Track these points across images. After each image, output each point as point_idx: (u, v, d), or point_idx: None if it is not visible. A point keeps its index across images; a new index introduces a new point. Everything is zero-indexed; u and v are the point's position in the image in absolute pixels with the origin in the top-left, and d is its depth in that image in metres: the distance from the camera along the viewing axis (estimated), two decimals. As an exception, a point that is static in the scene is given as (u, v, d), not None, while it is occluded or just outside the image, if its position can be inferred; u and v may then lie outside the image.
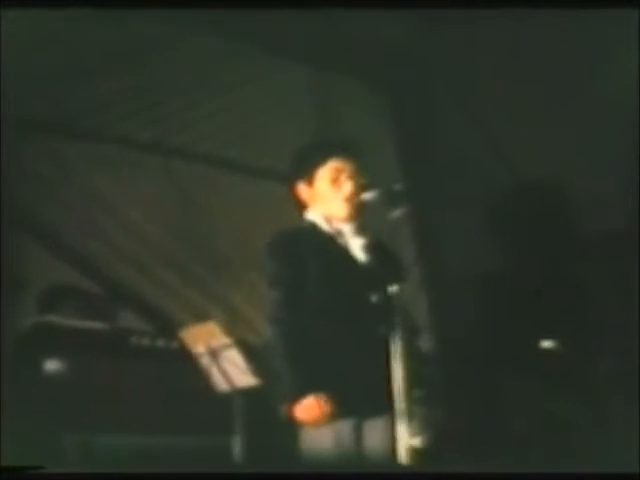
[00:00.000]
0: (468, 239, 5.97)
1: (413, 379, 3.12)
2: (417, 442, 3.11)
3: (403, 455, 3.09)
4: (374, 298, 3.30)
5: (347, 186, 3.46)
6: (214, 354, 4.65)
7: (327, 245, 3.44)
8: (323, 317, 3.30)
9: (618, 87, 5.49)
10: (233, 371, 4.62)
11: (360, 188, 3.42)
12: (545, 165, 6.27)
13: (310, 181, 3.53)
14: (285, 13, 4.75)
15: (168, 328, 5.58)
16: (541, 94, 5.98)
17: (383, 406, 3.14)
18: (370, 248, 3.45)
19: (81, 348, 4.97)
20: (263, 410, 5.11)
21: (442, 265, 6.50)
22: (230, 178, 6.26)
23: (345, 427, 3.25)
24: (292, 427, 4.89)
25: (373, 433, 3.29)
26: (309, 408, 3.20)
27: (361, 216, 3.46)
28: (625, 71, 5.40)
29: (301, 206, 3.57)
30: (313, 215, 3.53)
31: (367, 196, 3.35)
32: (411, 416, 3.10)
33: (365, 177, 3.48)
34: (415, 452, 3.10)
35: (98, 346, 5.07)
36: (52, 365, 4.88)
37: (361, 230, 3.49)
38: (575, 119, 6.04)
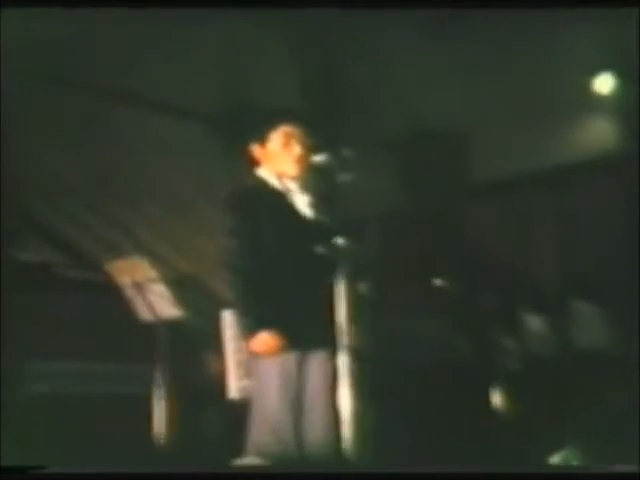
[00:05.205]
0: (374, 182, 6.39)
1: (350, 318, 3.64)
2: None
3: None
4: (318, 248, 3.79)
5: (296, 149, 3.92)
6: (139, 286, 4.99)
7: (278, 200, 3.91)
8: (275, 265, 3.79)
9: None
10: (158, 302, 4.98)
11: (308, 151, 3.88)
12: (448, 116, 6.84)
13: (263, 143, 3.96)
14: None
15: (91, 262, 5.87)
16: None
17: (325, 341, 3.67)
18: (315, 204, 3.94)
19: (9, 279, 5.22)
20: (185, 340, 5.58)
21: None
22: (147, 117, 6.48)
23: (291, 358, 3.77)
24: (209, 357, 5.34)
25: (315, 363, 3.82)
26: (263, 342, 3.72)
27: (308, 176, 3.93)
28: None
29: (254, 164, 4.01)
30: (265, 173, 3.98)
31: (316, 158, 3.79)
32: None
33: (312, 141, 3.94)
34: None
35: (25, 277, 5.34)
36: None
37: (307, 188, 3.96)
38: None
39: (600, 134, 7.19)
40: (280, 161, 3.94)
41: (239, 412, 4.10)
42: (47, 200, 6.18)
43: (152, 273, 4.92)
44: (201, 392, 5.61)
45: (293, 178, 3.94)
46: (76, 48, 5.57)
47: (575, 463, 4.81)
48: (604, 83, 7.03)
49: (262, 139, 3.96)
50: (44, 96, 5.89)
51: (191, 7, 4.23)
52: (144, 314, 5.03)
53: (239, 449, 3.83)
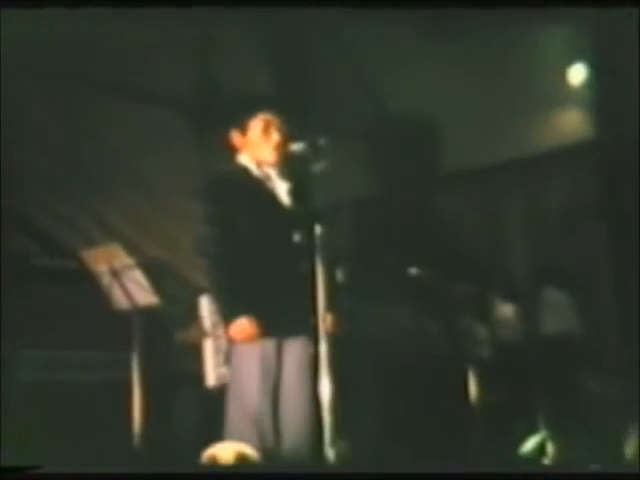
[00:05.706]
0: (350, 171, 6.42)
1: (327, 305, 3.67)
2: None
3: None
4: (296, 235, 3.82)
5: (275, 136, 3.94)
6: (116, 274, 4.97)
7: (256, 187, 3.93)
8: (252, 251, 3.81)
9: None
10: (135, 289, 4.97)
11: (286, 138, 3.90)
12: (423, 106, 6.91)
13: (243, 130, 3.98)
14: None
15: (66, 250, 5.84)
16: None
17: (302, 327, 3.70)
18: (293, 192, 3.96)
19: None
20: (162, 327, 5.59)
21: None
22: (124, 106, 6.45)
23: (269, 344, 3.80)
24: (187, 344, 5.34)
25: (293, 349, 3.86)
26: (240, 328, 3.74)
27: (287, 163, 3.96)
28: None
29: (234, 151, 4.02)
30: (245, 159, 4.00)
31: (293, 146, 3.81)
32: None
33: (290, 129, 3.96)
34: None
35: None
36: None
37: (285, 175, 3.99)
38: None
39: (571, 125, 7.28)
40: (260, 148, 3.95)
41: (217, 399, 4.12)
42: (23, 189, 6.12)
43: (129, 260, 4.90)
44: (178, 379, 5.62)
45: (272, 165, 3.96)
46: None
47: (547, 449, 4.89)
48: (576, 74, 7.12)
49: (242, 127, 3.97)
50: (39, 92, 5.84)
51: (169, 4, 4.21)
52: (121, 301, 5.01)
53: (217, 436, 3.85)
